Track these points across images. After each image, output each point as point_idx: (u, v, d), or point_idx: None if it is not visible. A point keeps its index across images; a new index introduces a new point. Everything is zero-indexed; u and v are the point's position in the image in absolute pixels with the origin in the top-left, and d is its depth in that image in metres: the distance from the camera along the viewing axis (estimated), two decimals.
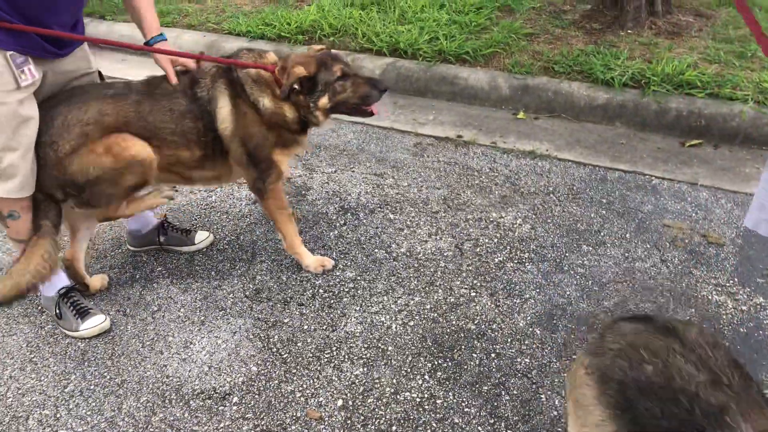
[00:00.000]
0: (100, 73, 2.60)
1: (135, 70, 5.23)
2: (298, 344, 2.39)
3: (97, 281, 2.69)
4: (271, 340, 2.42)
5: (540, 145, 3.79)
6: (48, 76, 2.37)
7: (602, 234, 2.95)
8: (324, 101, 2.49)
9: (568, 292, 2.60)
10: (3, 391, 2.26)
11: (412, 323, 2.47)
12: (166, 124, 2.44)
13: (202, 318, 2.54)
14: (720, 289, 2.59)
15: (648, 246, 2.85)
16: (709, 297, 2.55)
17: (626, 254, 2.80)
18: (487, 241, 2.93)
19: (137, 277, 2.80)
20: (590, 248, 2.85)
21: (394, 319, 2.49)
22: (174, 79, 2.47)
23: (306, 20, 5.17)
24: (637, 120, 3.92)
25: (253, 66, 2.50)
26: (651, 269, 2.71)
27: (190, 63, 2.52)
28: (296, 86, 2.43)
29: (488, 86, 4.33)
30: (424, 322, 2.47)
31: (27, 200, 2.33)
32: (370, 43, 4.83)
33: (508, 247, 2.88)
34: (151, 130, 2.41)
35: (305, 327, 2.47)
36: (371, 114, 2.60)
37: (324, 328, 2.46)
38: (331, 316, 2.52)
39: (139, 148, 2.38)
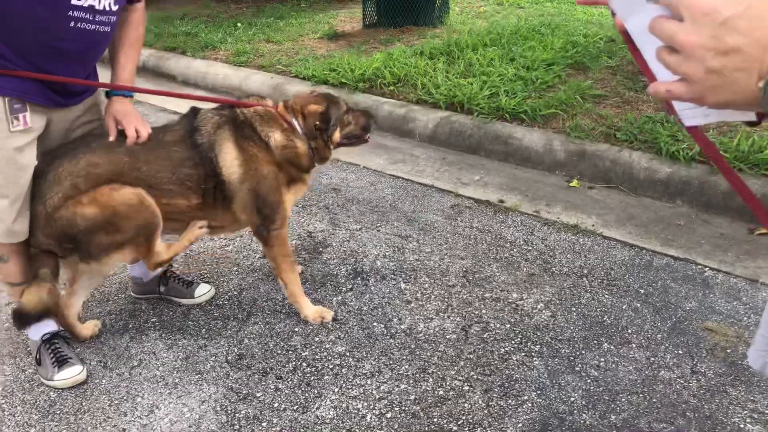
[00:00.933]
0: None
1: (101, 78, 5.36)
2: (263, 423, 2.22)
3: (87, 329, 2.65)
4: (237, 415, 2.26)
5: (587, 218, 3.48)
6: (53, 124, 2.37)
7: (629, 331, 2.61)
8: (337, 135, 2.63)
9: (572, 398, 2.29)
10: None
11: (389, 415, 2.24)
12: (162, 173, 2.38)
13: (177, 380, 2.43)
14: (756, 416, 2.20)
15: (680, 352, 2.49)
16: (741, 425, 2.17)
17: (652, 359, 2.46)
18: (498, 325, 2.67)
19: (129, 326, 2.74)
20: (611, 347, 2.53)
21: (371, 407, 2.28)
22: (113, 137, 2.38)
23: (370, 68, 5.10)
24: (701, 199, 3.52)
25: (252, 105, 2.53)
26: (677, 381, 2.35)
27: (137, 130, 2.40)
28: (318, 122, 2.54)
29: (543, 149, 4.06)
30: (402, 416, 2.24)
31: (17, 245, 2.32)
32: (428, 95, 4.69)
33: (519, 336, 2.60)
34: (145, 179, 2.36)
35: (275, 405, 2.30)
36: (366, 141, 2.82)
37: (295, 408, 2.28)
38: (306, 395, 2.34)
39: (125, 193, 2.32)
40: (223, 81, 5.59)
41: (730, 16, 0.60)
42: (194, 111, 2.56)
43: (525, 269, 3.04)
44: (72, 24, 2.13)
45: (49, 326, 2.52)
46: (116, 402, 2.35)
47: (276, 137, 2.48)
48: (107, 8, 2.20)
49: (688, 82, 0.65)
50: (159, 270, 2.85)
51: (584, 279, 2.96)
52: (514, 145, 4.16)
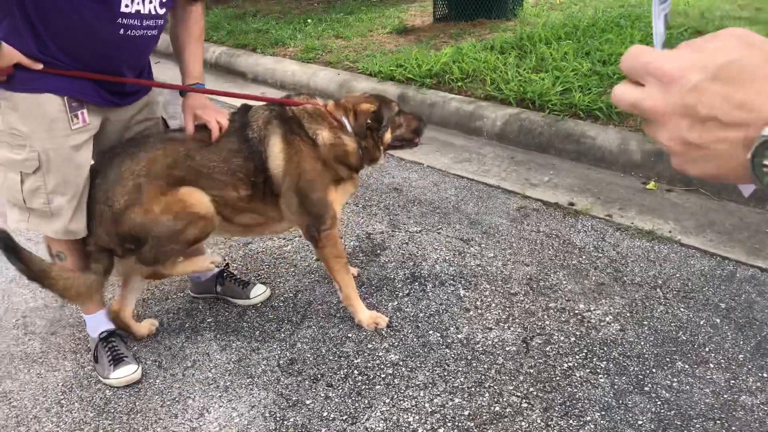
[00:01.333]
0: (164, 120, 2.60)
1: (171, 71, 5.42)
2: None
3: (144, 328, 2.67)
4: (285, 422, 2.21)
5: (663, 224, 3.25)
6: (109, 124, 2.39)
7: (707, 349, 2.40)
8: (387, 136, 2.57)
9: (640, 422, 2.12)
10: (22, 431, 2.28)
11: (441, 430, 2.14)
12: (215, 163, 2.39)
13: (228, 383, 2.40)
14: None
15: (765, 375, 2.27)
16: None
17: (732, 382, 2.25)
18: (562, 338, 2.51)
19: (186, 326, 2.74)
20: (686, 366, 2.33)
21: (423, 421, 2.18)
22: (191, 131, 2.41)
23: (438, 63, 4.98)
24: None
25: (301, 103, 2.50)
26: (760, 408, 2.14)
27: (212, 122, 2.41)
28: (369, 121, 2.49)
29: (617, 148, 3.83)
30: None
31: (73, 243, 2.35)
32: (498, 91, 4.52)
33: (585, 351, 2.44)
34: (199, 169, 2.37)
35: (324, 413, 2.24)
36: (416, 144, 2.73)
37: (344, 418, 2.21)
38: (357, 405, 2.26)
39: (202, 204, 2.36)
40: (291, 78, 5.59)
41: (700, 81, 0.52)
42: (245, 108, 2.55)
43: (594, 278, 2.87)
44: (122, 32, 2.14)
45: (105, 324, 2.54)
46: (168, 403, 2.34)
47: (323, 134, 2.45)
48: (153, 12, 2.20)
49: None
50: (215, 269, 2.85)
51: (658, 290, 2.76)
52: (586, 144, 3.95)
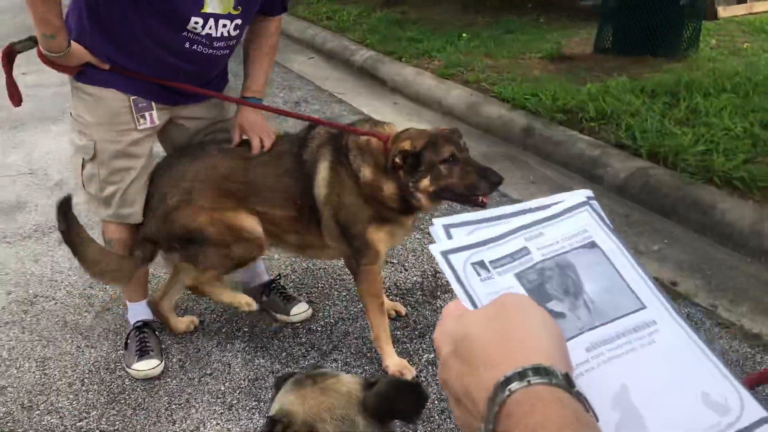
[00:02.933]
0: None
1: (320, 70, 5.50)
2: None
3: (183, 323, 2.71)
4: None
5: None
6: (179, 121, 2.44)
7: None
8: (425, 183, 2.22)
9: None
10: (40, 401, 2.39)
11: None
12: (267, 179, 2.38)
13: (235, 401, 2.37)
14: None
15: None
16: None
17: None
18: None
19: (222, 330, 2.75)
20: None
21: None
22: (235, 144, 2.42)
23: (575, 98, 4.62)
24: None
25: (364, 133, 2.31)
26: None
27: (261, 140, 2.38)
28: (397, 160, 2.20)
29: (750, 228, 3.30)
30: None
31: (125, 233, 2.42)
32: (631, 139, 4.10)
33: None
34: (252, 182, 2.38)
35: None
36: (481, 204, 2.28)
37: None
38: None
39: (251, 227, 2.38)
40: (426, 92, 5.49)
41: (447, 354, 0.55)
42: (311, 126, 2.49)
43: None
44: (188, 45, 2.16)
45: (142, 313, 2.61)
46: (173, 407, 2.35)
47: (365, 171, 2.29)
48: (226, 35, 2.19)
49: None
50: (267, 278, 2.83)
51: None
52: (715, 216, 3.45)
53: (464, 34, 6.65)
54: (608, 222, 0.72)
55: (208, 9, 2.09)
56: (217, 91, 2.46)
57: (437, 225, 0.69)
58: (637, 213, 3.72)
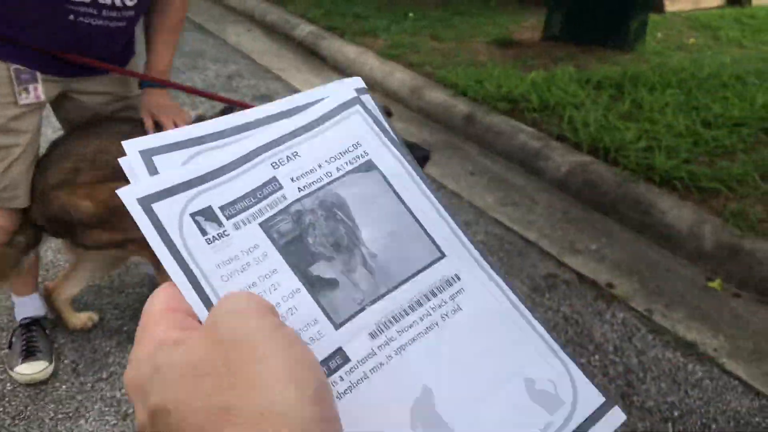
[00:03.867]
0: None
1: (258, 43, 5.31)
2: None
3: (80, 320, 2.45)
4: None
5: (711, 338, 2.66)
6: (70, 95, 2.16)
7: None
8: None
9: None
10: None
11: None
12: None
13: (131, 410, 2.13)
14: None
15: None
16: None
17: None
18: None
19: (125, 329, 2.50)
20: None
21: None
22: (151, 129, 2.15)
23: (519, 87, 4.47)
24: None
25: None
26: None
27: (175, 123, 2.13)
28: None
29: (688, 230, 3.22)
30: None
31: (4, 218, 2.13)
32: (572, 132, 3.98)
33: None
34: None
35: None
36: None
37: None
38: None
39: None
40: (369, 72, 5.25)
41: (140, 422, 0.36)
42: (226, 110, 2.25)
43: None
44: (72, 17, 1.89)
45: (31, 310, 2.34)
46: (59, 417, 2.10)
47: None
48: (119, 4, 1.91)
49: None
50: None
51: (669, 425, 2.22)
52: (654, 216, 3.36)
53: (411, 14, 6.43)
54: (387, 126, 0.50)
55: None
56: (120, 66, 2.19)
57: (130, 150, 0.43)
58: (577, 210, 3.61)
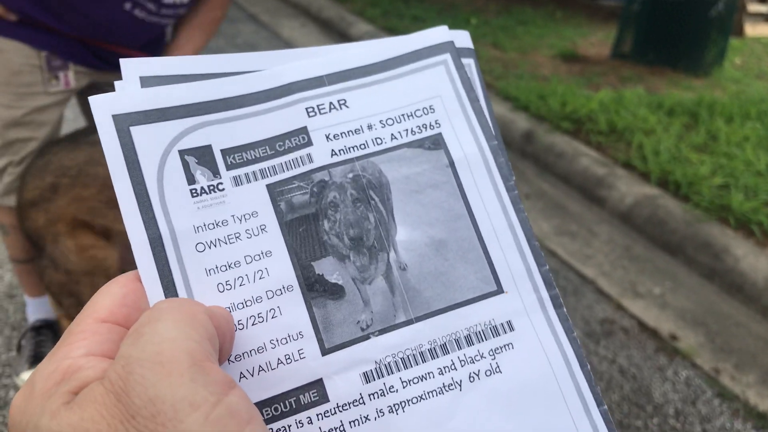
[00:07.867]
0: None
1: (311, 40, 5.16)
2: None
3: None
4: None
5: None
6: (100, 87, 1.99)
7: None
8: None
9: None
10: None
11: None
12: None
13: None
14: None
15: None
16: None
17: None
18: None
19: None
20: None
21: None
22: None
23: (584, 107, 4.19)
24: None
25: None
26: None
27: None
28: None
29: (764, 283, 2.91)
30: None
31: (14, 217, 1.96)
32: (641, 160, 3.69)
33: None
34: None
35: None
36: None
37: None
38: None
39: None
40: None
41: None
42: None
43: None
44: (128, 7, 1.71)
45: (46, 312, 2.18)
46: None
47: None
48: (179, 1, 1.73)
49: None
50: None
51: None
52: (726, 263, 3.05)
53: (473, 20, 6.17)
54: (481, 93, 0.38)
55: None
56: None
57: (128, 73, 0.35)
58: (640, 247, 3.32)
